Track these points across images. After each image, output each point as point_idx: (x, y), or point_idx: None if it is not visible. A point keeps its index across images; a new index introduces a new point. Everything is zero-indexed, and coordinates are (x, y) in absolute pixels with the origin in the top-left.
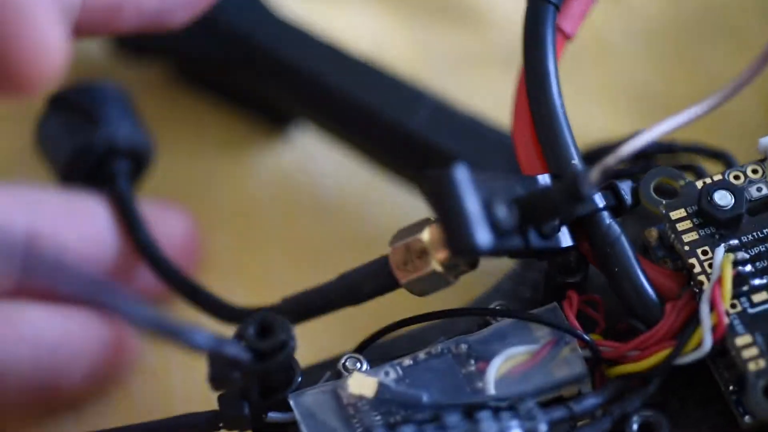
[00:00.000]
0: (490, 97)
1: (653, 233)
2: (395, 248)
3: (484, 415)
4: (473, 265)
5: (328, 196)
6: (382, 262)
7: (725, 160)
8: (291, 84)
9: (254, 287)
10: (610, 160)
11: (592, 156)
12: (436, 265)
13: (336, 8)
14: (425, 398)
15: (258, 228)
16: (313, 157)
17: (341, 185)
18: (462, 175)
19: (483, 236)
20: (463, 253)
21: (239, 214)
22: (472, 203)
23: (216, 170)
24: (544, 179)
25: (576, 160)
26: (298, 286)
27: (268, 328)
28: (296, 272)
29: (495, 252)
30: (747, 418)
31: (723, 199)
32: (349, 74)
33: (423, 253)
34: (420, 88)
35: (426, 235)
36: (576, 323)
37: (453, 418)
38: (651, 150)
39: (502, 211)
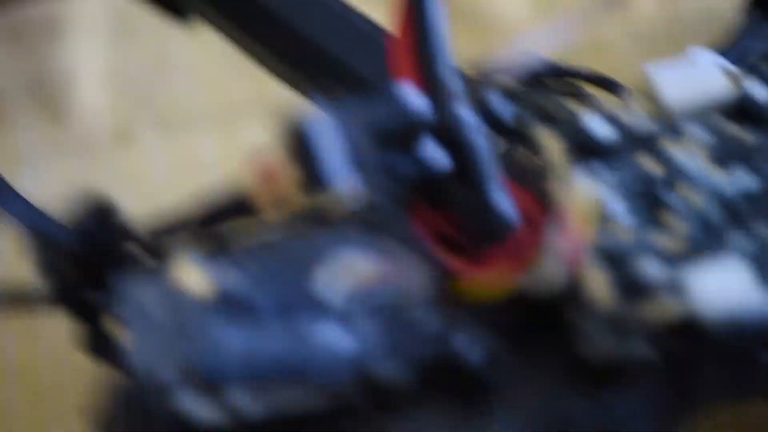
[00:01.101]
0: None
1: (524, 155)
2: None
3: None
4: None
5: None
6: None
7: (612, 88)
8: None
9: None
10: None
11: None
12: None
13: None
14: (259, 298)
15: None
16: None
17: None
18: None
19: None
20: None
21: None
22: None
23: None
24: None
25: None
26: None
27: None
28: None
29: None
30: (593, 355)
31: (600, 129)
32: None
33: None
34: None
35: None
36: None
37: (274, 317)
38: (537, 73)
39: (365, 152)
